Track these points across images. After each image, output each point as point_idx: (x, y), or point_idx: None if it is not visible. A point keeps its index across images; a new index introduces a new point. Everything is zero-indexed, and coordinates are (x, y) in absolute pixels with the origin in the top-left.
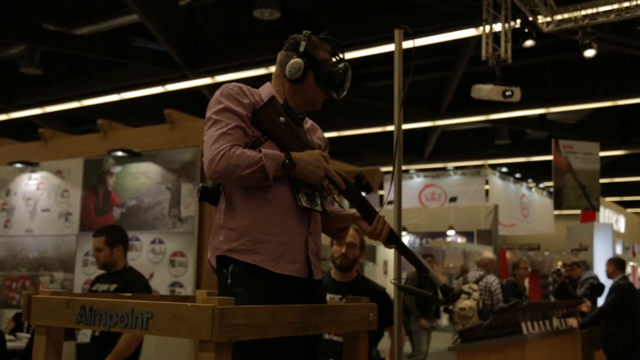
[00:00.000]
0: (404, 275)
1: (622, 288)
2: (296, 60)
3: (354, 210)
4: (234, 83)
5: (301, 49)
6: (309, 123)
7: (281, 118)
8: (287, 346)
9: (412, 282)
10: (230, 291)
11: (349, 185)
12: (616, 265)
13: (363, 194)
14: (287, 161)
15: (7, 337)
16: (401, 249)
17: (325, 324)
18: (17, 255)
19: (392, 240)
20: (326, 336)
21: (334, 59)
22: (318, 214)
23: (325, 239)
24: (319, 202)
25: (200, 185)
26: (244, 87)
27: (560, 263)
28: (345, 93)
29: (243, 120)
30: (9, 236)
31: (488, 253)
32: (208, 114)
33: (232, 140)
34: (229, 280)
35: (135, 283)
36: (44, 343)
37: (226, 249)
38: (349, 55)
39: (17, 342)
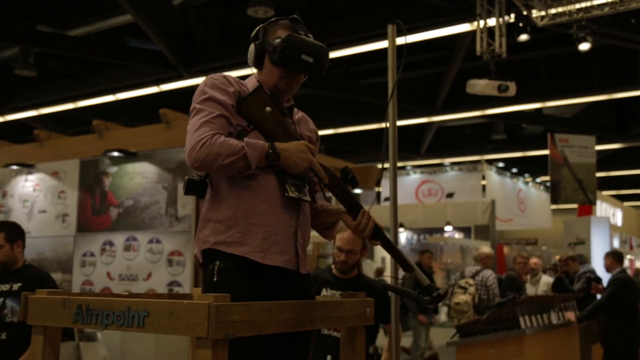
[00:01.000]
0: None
1: (621, 281)
2: (250, 47)
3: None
4: (219, 73)
5: (252, 34)
6: (299, 114)
7: (267, 108)
8: (280, 341)
9: (410, 280)
10: (217, 289)
11: (334, 179)
12: (614, 258)
13: (359, 190)
14: (270, 151)
15: None
16: (386, 245)
17: (321, 320)
18: None
19: (377, 236)
20: (325, 331)
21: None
22: (307, 207)
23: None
24: (307, 192)
25: (186, 178)
26: (229, 76)
27: (557, 257)
28: (308, 68)
29: (227, 109)
30: None
31: (485, 248)
32: (192, 104)
33: (215, 129)
34: (215, 278)
35: (43, 279)
36: (41, 343)
37: (213, 242)
38: (343, 52)
39: None
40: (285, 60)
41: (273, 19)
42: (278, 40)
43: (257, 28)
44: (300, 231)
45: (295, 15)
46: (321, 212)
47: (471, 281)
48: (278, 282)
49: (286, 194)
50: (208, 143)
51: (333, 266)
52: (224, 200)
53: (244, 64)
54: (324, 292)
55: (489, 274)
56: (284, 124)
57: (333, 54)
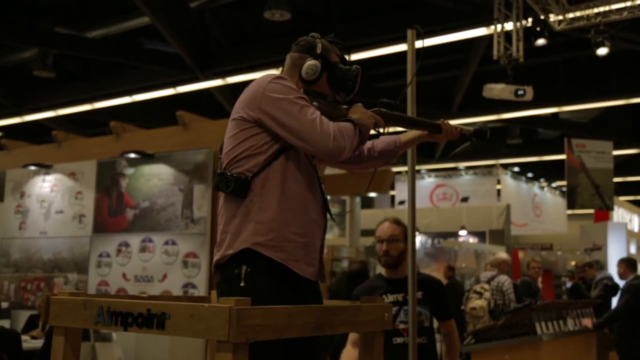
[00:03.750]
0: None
1: (636, 288)
2: (314, 62)
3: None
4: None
5: (318, 51)
6: None
7: (314, 103)
8: (300, 344)
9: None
10: (246, 294)
11: (387, 115)
12: (627, 265)
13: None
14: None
15: (23, 337)
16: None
17: (340, 325)
18: (31, 257)
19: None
20: (397, 340)
21: (343, 62)
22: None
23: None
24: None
25: (230, 174)
26: None
27: (573, 263)
28: (351, 96)
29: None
30: (24, 238)
31: (502, 254)
32: (280, 95)
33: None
34: (243, 283)
35: None
36: (62, 343)
37: (252, 242)
38: (359, 55)
39: (31, 342)
40: (353, 89)
41: (328, 37)
42: (354, 70)
43: (313, 43)
44: (323, 244)
45: (338, 40)
46: (390, 150)
47: (487, 286)
48: (302, 291)
49: (329, 213)
50: (340, 131)
51: (383, 270)
52: (269, 203)
53: (260, 67)
54: (384, 298)
55: (504, 279)
56: (334, 107)
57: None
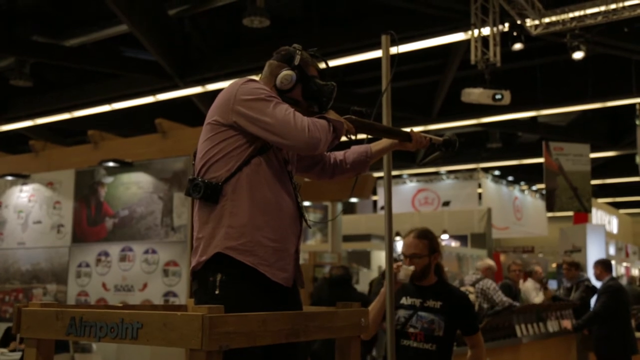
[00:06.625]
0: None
1: (613, 289)
2: (289, 73)
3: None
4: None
5: (295, 62)
6: None
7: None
8: (277, 349)
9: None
10: (220, 302)
11: (359, 123)
12: (603, 266)
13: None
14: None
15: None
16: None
17: (316, 330)
18: (9, 268)
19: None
20: (404, 342)
21: (321, 77)
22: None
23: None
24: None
25: (201, 180)
26: None
27: (554, 265)
28: (325, 111)
29: None
30: (1, 249)
31: (489, 260)
32: (250, 96)
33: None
34: (218, 291)
35: None
36: (34, 356)
37: (224, 247)
38: (338, 61)
39: (8, 355)
40: (326, 105)
41: (310, 51)
42: (330, 87)
43: (292, 54)
44: (298, 250)
45: (319, 55)
46: (362, 161)
47: (471, 289)
48: (276, 297)
49: (304, 220)
50: (315, 124)
51: None
52: (242, 208)
53: (240, 73)
54: (403, 300)
55: (489, 283)
56: (307, 114)
57: (328, 63)
